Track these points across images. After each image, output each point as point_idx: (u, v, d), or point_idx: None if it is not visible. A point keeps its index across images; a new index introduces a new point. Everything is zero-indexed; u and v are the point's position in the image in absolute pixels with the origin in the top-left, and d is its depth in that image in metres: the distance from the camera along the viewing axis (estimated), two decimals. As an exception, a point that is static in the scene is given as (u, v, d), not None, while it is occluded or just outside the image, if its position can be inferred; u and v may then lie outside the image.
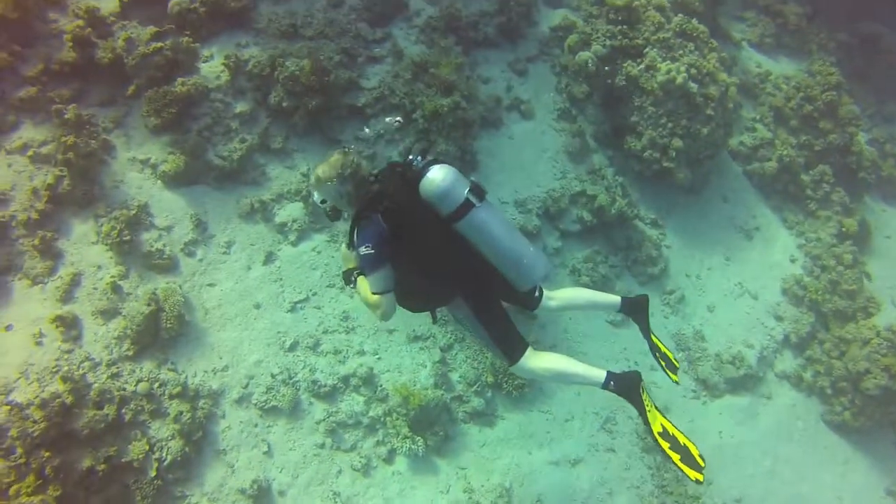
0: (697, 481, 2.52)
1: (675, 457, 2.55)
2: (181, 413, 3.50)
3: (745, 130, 6.25)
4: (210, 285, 4.01)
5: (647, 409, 2.57)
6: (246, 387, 3.78)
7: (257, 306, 4.03)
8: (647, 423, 2.57)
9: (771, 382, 5.13)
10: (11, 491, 3.02)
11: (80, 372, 3.48)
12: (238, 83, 4.48)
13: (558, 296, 2.88)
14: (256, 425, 3.72)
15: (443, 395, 3.97)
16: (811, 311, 5.42)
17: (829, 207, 6.11)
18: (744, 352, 5.05)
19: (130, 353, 3.62)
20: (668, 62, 5.01)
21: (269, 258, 4.20)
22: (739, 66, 6.66)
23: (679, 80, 4.90)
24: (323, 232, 4.37)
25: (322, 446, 3.75)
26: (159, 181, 4.16)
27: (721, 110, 5.22)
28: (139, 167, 4.18)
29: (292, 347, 3.96)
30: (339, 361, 3.99)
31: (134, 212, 3.94)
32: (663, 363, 3.10)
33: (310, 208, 4.32)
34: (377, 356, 4.08)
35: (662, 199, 5.55)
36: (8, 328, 3.54)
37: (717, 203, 5.83)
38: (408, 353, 4.13)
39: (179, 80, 4.22)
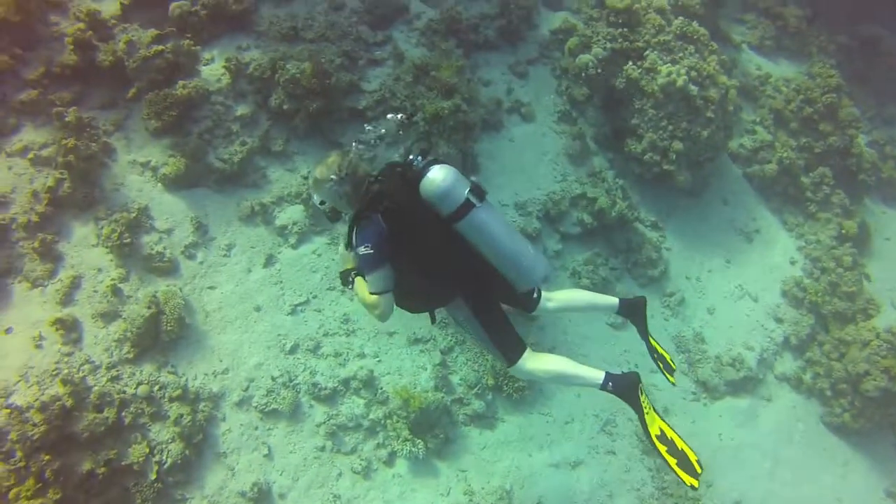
0: (692, 487, 2.52)
1: (672, 461, 2.55)
2: (181, 416, 3.50)
3: (745, 133, 6.26)
4: (210, 288, 4.01)
5: (646, 410, 2.57)
6: (246, 389, 3.78)
7: (258, 309, 4.03)
8: (644, 425, 2.57)
9: (771, 384, 5.13)
10: (11, 495, 3.02)
11: (80, 375, 3.48)
12: (239, 86, 4.48)
13: (556, 297, 2.88)
14: (257, 428, 3.72)
15: (443, 397, 3.97)
16: (811, 313, 5.43)
17: (829, 209, 6.12)
18: (744, 354, 5.05)
19: (131, 355, 3.62)
20: (669, 65, 5.02)
21: (270, 261, 4.20)
22: (739, 68, 6.67)
23: (679, 82, 4.91)
24: (323, 234, 4.38)
25: (322, 449, 3.75)
26: (160, 184, 4.16)
27: (721, 113, 5.23)
28: (140, 170, 4.18)
29: (293, 350, 3.96)
30: (340, 364, 3.99)
31: (134, 214, 3.95)
32: (661, 365, 3.11)
33: (310, 211, 4.32)
34: (377, 359, 4.08)
35: (663, 201, 5.56)
36: (8, 331, 3.54)
37: (718, 205, 5.84)
38: (408, 355, 4.13)
39: (180, 82, 4.22)
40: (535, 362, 2.62)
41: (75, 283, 3.75)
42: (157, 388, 3.58)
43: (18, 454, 3.12)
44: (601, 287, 4.77)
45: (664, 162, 5.13)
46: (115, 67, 4.19)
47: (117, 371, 3.58)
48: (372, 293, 2.43)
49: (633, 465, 4.30)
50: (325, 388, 3.87)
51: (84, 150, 3.89)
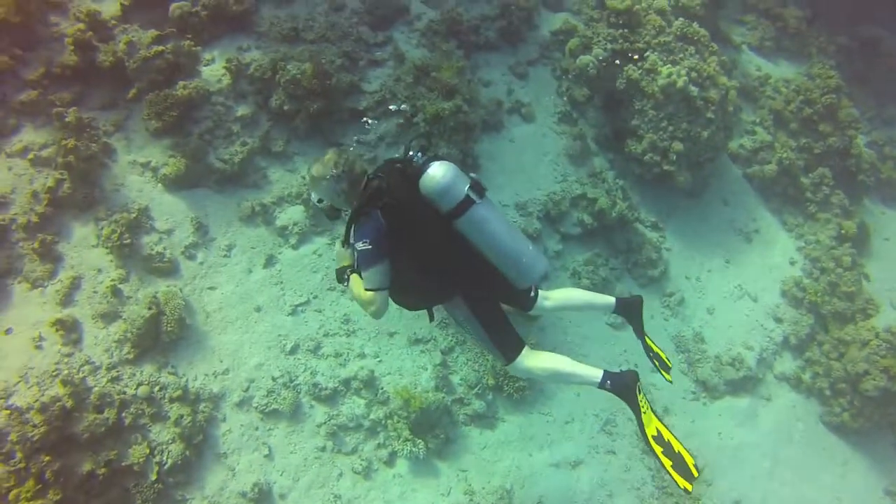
0: (686, 490, 2.48)
1: (668, 462, 2.53)
2: (182, 416, 3.50)
3: (744, 133, 6.27)
4: (211, 288, 4.01)
5: (643, 410, 2.56)
6: (247, 390, 3.78)
7: (258, 309, 4.03)
8: (641, 424, 2.56)
9: (770, 384, 5.14)
10: (11, 496, 3.01)
11: (81, 375, 3.48)
12: (239, 86, 4.48)
13: (553, 296, 2.88)
14: (257, 428, 3.72)
15: (444, 397, 3.98)
16: (810, 312, 5.44)
17: (828, 210, 6.13)
18: (743, 353, 5.06)
19: (131, 356, 3.62)
20: (669, 66, 5.03)
21: (270, 261, 4.20)
22: (739, 69, 6.68)
23: (680, 83, 4.92)
24: (324, 235, 4.38)
25: (323, 449, 3.75)
26: (160, 184, 4.16)
27: (721, 113, 5.23)
28: (140, 170, 4.17)
29: (293, 350, 3.96)
30: (340, 364, 3.99)
31: (134, 215, 3.94)
32: (657, 363, 3.12)
33: (311, 211, 4.32)
34: (378, 359, 4.08)
35: (663, 202, 5.57)
36: (8, 332, 3.54)
37: (717, 206, 5.85)
38: (409, 355, 4.14)
39: (181, 83, 4.22)
40: (534, 360, 2.62)
41: (75, 284, 3.75)
42: (157, 388, 3.58)
43: (18, 455, 3.12)
44: (601, 287, 4.78)
45: (664, 162, 5.14)
46: (115, 68, 4.19)
47: (117, 372, 3.57)
48: (367, 290, 2.41)
49: (633, 465, 4.30)
50: (326, 389, 3.87)
51: (84, 150, 3.89)
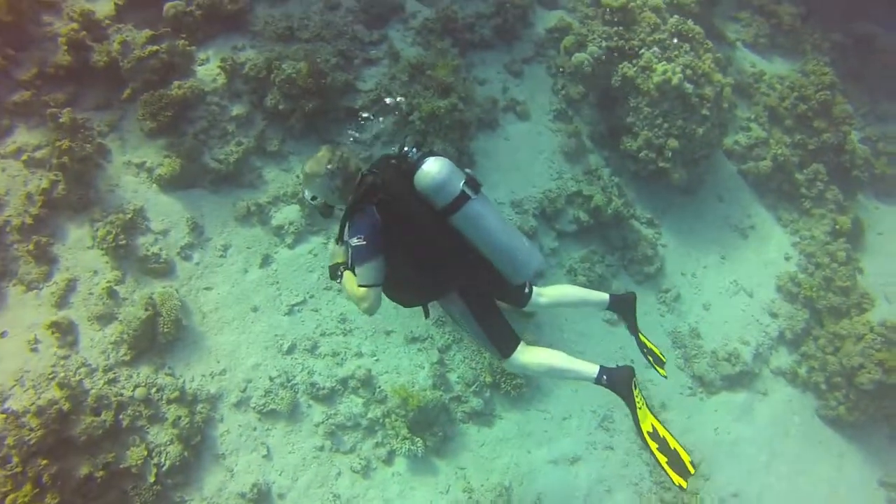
0: (680, 487, 2.47)
1: (662, 459, 2.52)
2: (179, 418, 3.49)
3: (739, 130, 6.29)
4: (207, 289, 4.00)
5: (638, 405, 2.56)
6: (244, 390, 3.78)
7: (254, 309, 4.02)
8: (636, 420, 2.55)
9: (766, 378, 5.18)
10: (8, 500, 3.00)
11: (77, 378, 3.47)
12: (234, 86, 4.46)
13: (547, 293, 2.89)
14: (255, 429, 3.72)
15: (441, 395, 3.98)
16: (806, 307, 5.47)
17: (823, 205, 6.17)
18: (739, 349, 5.09)
19: (127, 358, 3.61)
20: (664, 63, 5.04)
21: (266, 261, 4.20)
22: (734, 66, 6.70)
23: (675, 80, 4.93)
24: (319, 234, 4.37)
25: (321, 448, 3.76)
26: (155, 185, 4.14)
27: (716, 110, 5.25)
28: (135, 171, 4.16)
29: (290, 350, 3.96)
30: (338, 364, 3.99)
31: (129, 216, 3.93)
32: (651, 359, 3.14)
33: (306, 211, 4.32)
34: (375, 358, 4.08)
35: (658, 198, 5.59)
36: (3, 335, 3.52)
37: (713, 202, 5.87)
38: (406, 354, 4.14)
39: (175, 83, 4.20)
40: (529, 356, 2.62)
41: (70, 286, 3.73)
42: (154, 390, 3.57)
43: (15, 459, 3.11)
44: (597, 284, 4.79)
45: (660, 159, 5.16)
46: (109, 68, 4.17)
47: (114, 374, 3.56)
48: (360, 286, 2.40)
49: (631, 460, 4.32)
50: (324, 388, 3.87)
51: (78, 151, 3.87)
